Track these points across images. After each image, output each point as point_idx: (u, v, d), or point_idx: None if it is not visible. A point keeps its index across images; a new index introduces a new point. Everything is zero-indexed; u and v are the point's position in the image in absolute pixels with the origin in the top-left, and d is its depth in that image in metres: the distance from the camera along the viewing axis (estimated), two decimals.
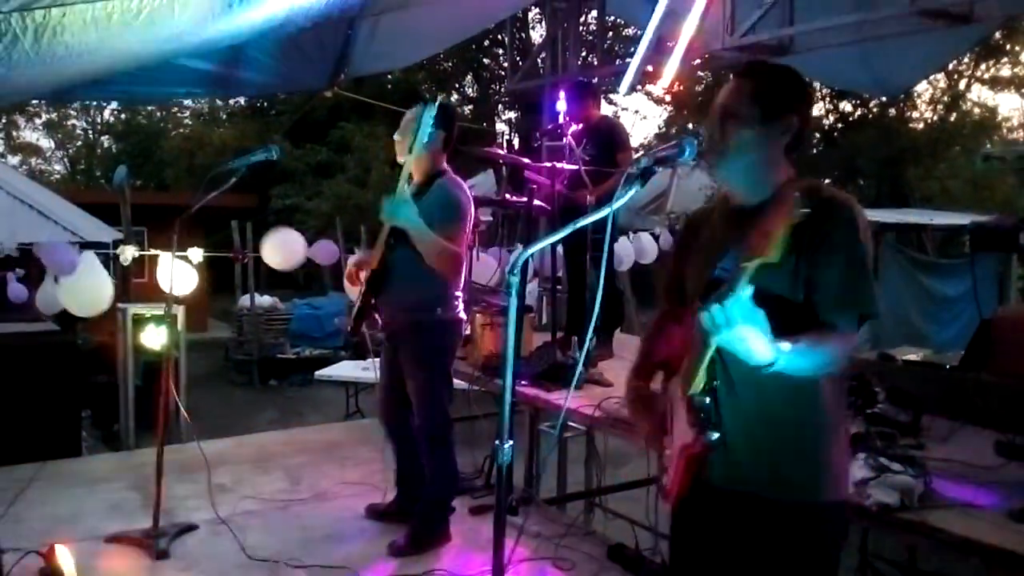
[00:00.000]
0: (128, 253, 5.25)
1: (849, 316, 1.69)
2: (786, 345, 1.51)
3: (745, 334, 1.44)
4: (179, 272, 3.61)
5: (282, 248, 5.85)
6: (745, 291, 1.41)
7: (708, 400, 1.71)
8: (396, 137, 3.41)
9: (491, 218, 10.33)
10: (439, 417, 3.44)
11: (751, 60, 2.02)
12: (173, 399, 3.63)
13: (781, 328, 1.49)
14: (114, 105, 26.22)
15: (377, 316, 3.40)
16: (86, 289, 5.03)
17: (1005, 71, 16.49)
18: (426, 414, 3.42)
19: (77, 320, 9.12)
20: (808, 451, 1.76)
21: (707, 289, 1.71)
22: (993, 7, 4.03)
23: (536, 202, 4.33)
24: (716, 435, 1.71)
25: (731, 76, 1.85)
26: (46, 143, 30.37)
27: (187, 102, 24.63)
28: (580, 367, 3.57)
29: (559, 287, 4.96)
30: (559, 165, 4.27)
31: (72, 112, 28.82)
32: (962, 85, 16.67)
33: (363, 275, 3.43)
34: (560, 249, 4.72)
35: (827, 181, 18.05)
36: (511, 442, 1.65)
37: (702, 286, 1.79)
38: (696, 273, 1.88)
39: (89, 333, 8.81)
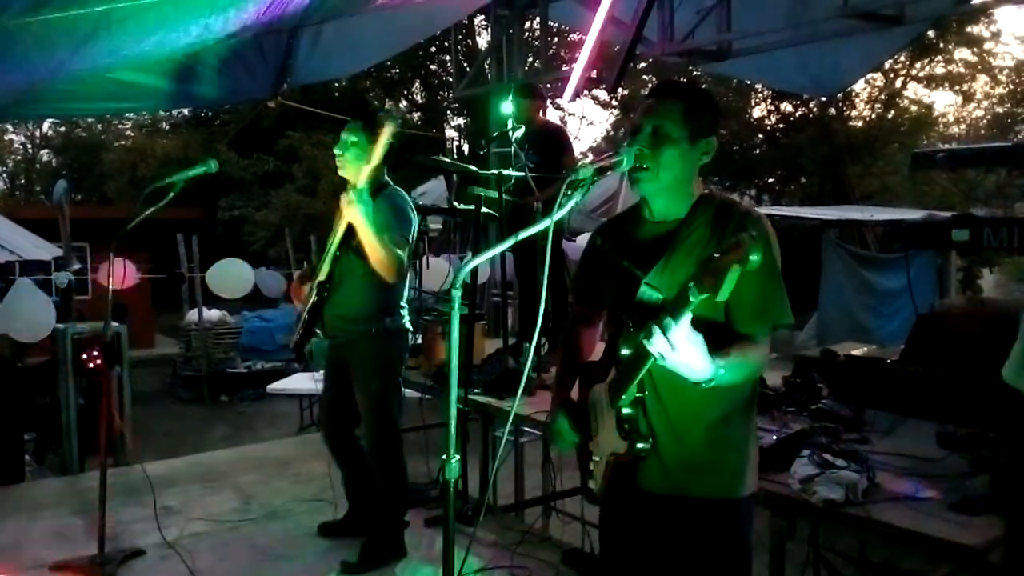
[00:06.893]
0: (63, 278, 5.13)
1: (766, 328, 1.82)
2: (720, 362, 1.62)
3: (688, 358, 1.55)
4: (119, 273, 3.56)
5: (229, 280, 5.81)
6: (686, 318, 1.51)
7: (636, 410, 1.79)
8: (346, 156, 3.35)
9: (441, 226, 10.31)
10: (388, 430, 3.41)
11: (669, 80, 2.08)
12: (116, 420, 3.53)
13: (707, 346, 1.59)
14: None
15: (318, 331, 3.37)
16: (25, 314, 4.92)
17: (940, 69, 16.97)
18: (374, 426, 3.40)
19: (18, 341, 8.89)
20: (730, 450, 1.88)
21: (635, 309, 1.79)
22: (922, 8, 4.15)
23: (484, 209, 4.31)
24: (646, 445, 1.79)
25: (655, 96, 1.90)
26: None
27: (129, 113, 24.04)
28: (528, 373, 3.56)
29: (510, 293, 4.95)
30: (505, 172, 4.25)
31: (9, 127, 27.98)
32: (898, 83, 17.10)
33: (307, 288, 3.40)
34: (511, 255, 4.71)
35: (770, 180, 18.43)
36: (457, 457, 1.65)
37: (624, 302, 1.86)
38: (616, 285, 1.93)
39: (30, 353, 8.55)
